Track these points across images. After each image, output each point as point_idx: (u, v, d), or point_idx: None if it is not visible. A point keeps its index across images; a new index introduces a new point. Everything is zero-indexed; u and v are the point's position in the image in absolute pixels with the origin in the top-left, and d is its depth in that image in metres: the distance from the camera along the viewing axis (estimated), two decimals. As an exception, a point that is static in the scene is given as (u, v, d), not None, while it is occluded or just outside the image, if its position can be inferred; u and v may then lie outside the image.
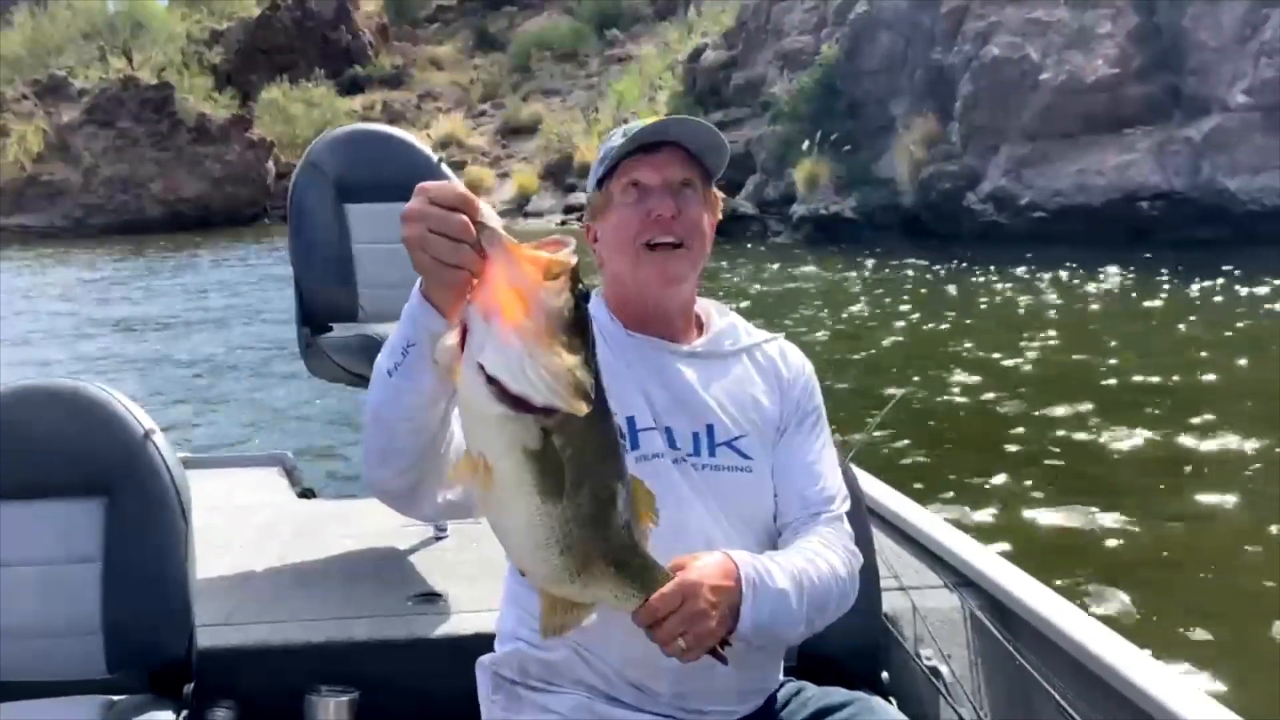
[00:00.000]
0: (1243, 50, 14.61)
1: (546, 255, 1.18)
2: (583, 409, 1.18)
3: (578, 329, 1.19)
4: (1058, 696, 2.12)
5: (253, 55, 33.71)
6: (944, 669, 2.38)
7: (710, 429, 1.70)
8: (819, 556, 1.65)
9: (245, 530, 3.38)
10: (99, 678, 2.13)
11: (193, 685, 2.16)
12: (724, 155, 1.72)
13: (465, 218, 1.21)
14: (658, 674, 1.61)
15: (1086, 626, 2.28)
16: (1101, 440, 6.73)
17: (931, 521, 2.93)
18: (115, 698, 2.10)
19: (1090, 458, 6.42)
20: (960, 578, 2.66)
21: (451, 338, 1.23)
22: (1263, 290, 11.74)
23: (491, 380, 1.16)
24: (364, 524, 3.42)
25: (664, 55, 28.10)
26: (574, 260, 1.19)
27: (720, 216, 1.78)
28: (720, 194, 1.78)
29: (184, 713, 2.10)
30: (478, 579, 2.84)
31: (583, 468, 1.23)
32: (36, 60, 31.79)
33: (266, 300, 14.30)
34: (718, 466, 1.69)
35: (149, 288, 16.82)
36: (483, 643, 1.79)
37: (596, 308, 1.73)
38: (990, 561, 2.65)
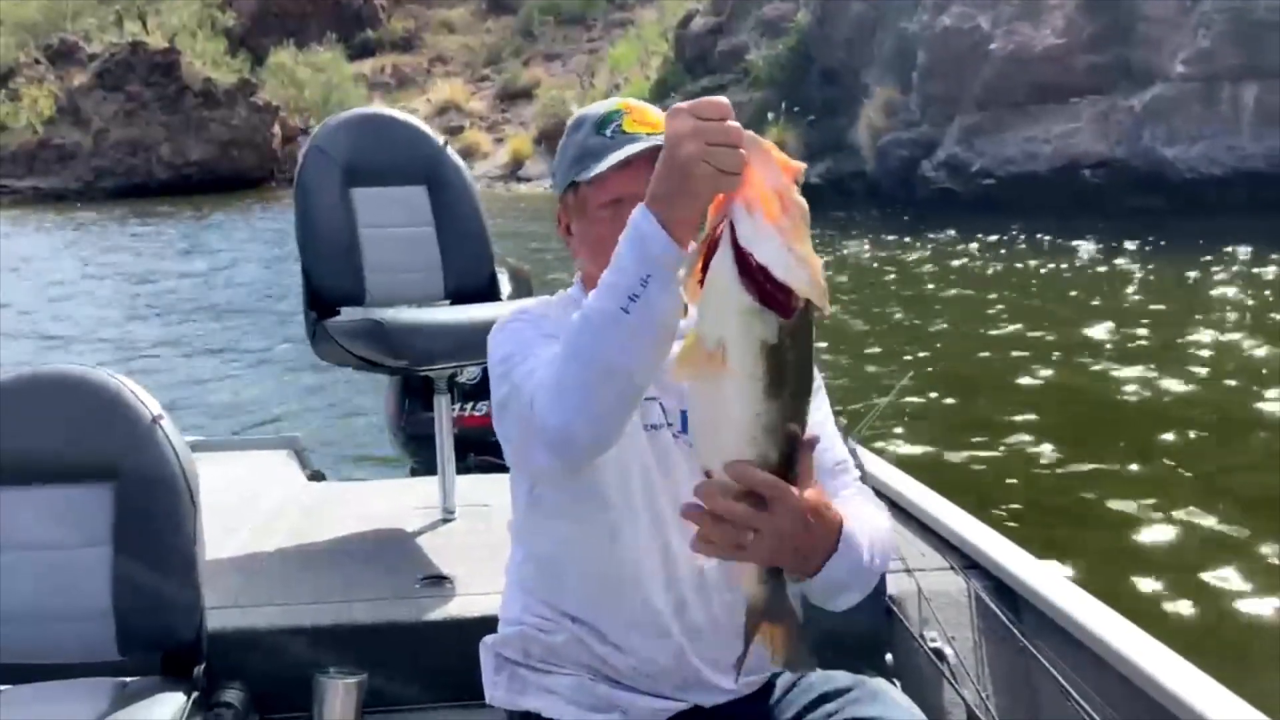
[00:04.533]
0: (1184, 22, 14.85)
1: (793, 162, 1.23)
2: (828, 308, 1.21)
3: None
4: (1062, 680, 2.11)
5: (266, 19, 33.90)
6: (948, 651, 2.37)
7: None
8: (878, 519, 1.61)
9: (255, 513, 3.38)
10: (110, 660, 2.14)
11: (203, 667, 2.17)
12: None
13: (737, 124, 1.22)
14: (656, 650, 1.63)
15: (1093, 610, 2.27)
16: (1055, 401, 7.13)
17: (937, 503, 2.90)
18: (126, 680, 2.11)
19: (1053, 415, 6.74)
20: (966, 560, 2.64)
21: (693, 244, 1.27)
22: (1190, 258, 12.12)
23: (743, 273, 1.19)
24: (373, 506, 3.42)
25: (663, 21, 28.22)
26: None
27: None
28: None
29: (194, 694, 2.11)
30: (486, 561, 2.80)
31: (799, 374, 1.25)
32: (52, 25, 32.13)
33: (274, 275, 14.36)
34: None
35: (157, 256, 16.88)
36: (490, 625, 1.78)
37: (576, 290, 1.73)
38: (996, 544, 2.62)
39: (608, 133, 1.61)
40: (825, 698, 1.65)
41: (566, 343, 1.40)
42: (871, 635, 2.36)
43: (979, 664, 2.42)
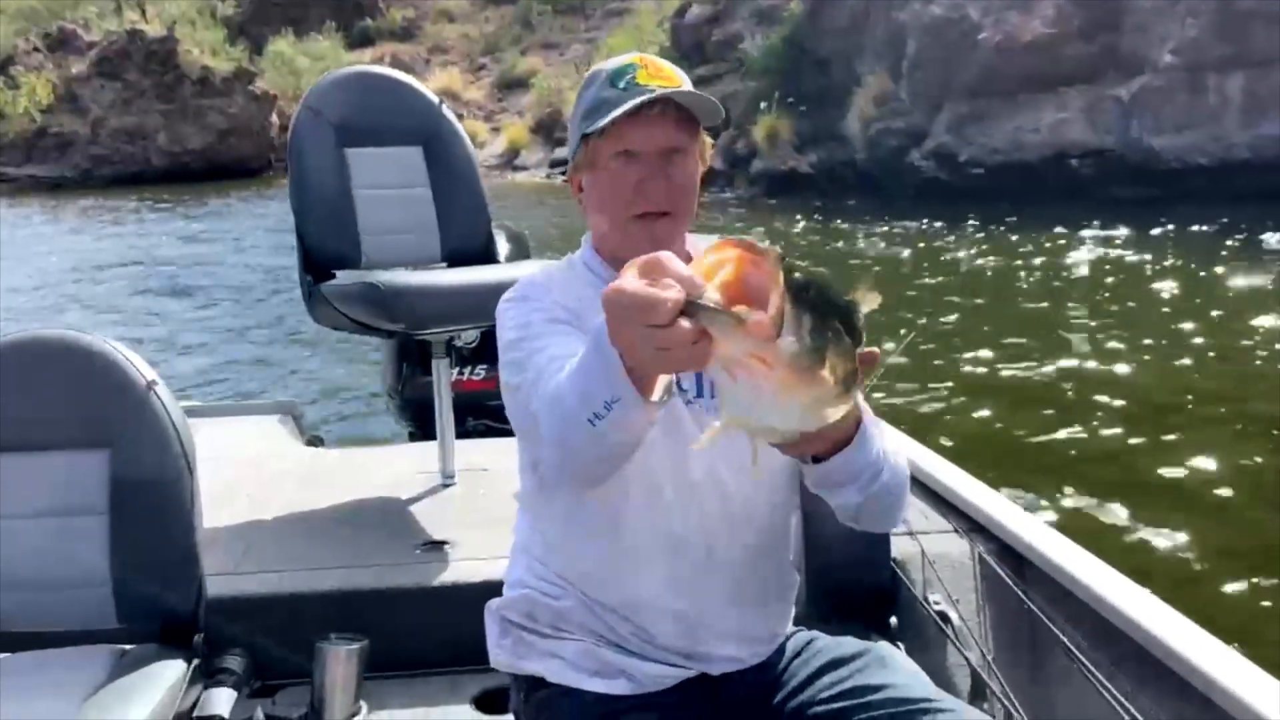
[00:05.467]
0: (1172, 11, 14.94)
1: (764, 316, 1.09)
2: (853, 402, 1.17)
3: (816, 332, 1.11)
4: (1066, 641, 2.10)
5: (265, 7, 33.94)
6: (952, 614, 2.37)
7: None
8: (899, 453, 1.56)
9: (253, 479, 3.35)
10: (109, 628, 2.12)
11: (202, 635, 2.15)
12: (718, 115, 1.64)
13: (688, 322, 1.11)
14: (663, 623, 1.62)
15: (1096, 572, 2.24)
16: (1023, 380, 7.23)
17: (941, 466, 2.88)
18: (126, 647, 2.09)
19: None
20: (970, 523, 2.62)
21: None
22: (1181, 245, 12.22)
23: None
24: (372, 472, 3.42)
25: (659, 10, 28.32)
26: (782, 297, 1.10)
27: (709, 161, 1.71)
28: (710, 140, 1.69)
29: (194, 662, 2.09)
30: (485, 527, 2.83)
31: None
32: (52, 13, 32.21)
33: (272, 250, 14.41)
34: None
35: (154, 239, 16.90)
36: (490, 590, 1.76)
37: (587, 253, 1.72)
38: (1000, 507, 2.61)
39: (621, 85, 1.59)
40: (832, 665, 1.66)
41: (551, 402, 1.39)
42: (876, 597, 2.38)
43: (983, 626, 2.41)
